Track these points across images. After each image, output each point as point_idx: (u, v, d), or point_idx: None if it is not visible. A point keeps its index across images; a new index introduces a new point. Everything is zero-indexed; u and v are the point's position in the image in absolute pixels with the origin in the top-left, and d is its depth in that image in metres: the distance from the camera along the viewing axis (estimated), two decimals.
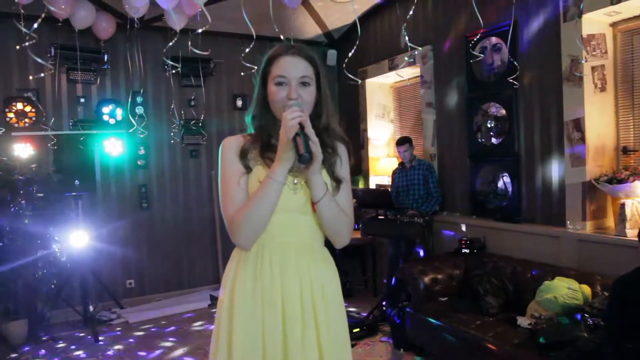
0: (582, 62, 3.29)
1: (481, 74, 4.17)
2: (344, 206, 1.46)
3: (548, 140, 3.66)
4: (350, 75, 3.97)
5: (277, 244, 1.40)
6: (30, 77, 4.28)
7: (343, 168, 1.50)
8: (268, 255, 1.39)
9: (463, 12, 4.32)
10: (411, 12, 3.42)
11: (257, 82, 1.47)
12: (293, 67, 1.39)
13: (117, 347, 4.08)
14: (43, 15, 3.11)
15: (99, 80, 4.97)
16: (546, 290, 3.00)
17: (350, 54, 3.85)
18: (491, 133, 4.12)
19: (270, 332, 1.35)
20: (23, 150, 4.41)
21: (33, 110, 4.46)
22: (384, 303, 4.34)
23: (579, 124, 3.37)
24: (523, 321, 3.02)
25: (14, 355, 3.95)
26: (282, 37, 3.97)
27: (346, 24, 5.80)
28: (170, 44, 3.72)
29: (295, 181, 1.40)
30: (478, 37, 3.96)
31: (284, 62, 1.40)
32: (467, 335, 3.07)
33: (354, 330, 4.05)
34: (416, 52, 3.65)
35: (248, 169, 1.41)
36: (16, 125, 4.39)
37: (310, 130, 1.31)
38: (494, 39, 4.00)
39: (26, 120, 4.43)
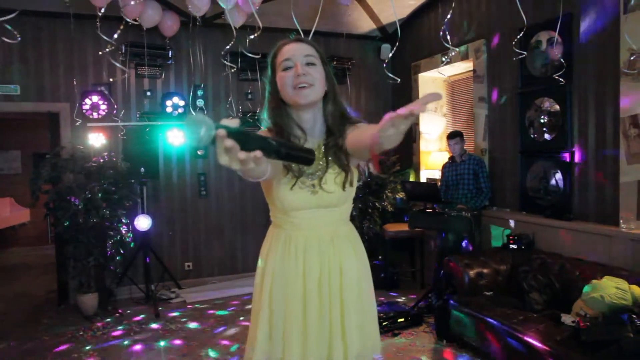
0: None
1: (535, 68, 4.09)
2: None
3: (603, 137, 3.56)
4: (391, 74, 4.02)
5: (302, 236, 1.54)
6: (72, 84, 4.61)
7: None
8: (294, 244, 1.54)
9: (517, 5, 4.24)
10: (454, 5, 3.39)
11: (268, 79, 1.54)
12: (297, 49, 1.47)
13: (174, 323, 4.40)
14: (101, 16, 3.38)
15: (163, 74, 5.31)
16: (593, 289, 2.95)
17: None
18: (544, 128, 4.04)
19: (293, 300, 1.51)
20: (96, 140, 4.84)
21: (105, 103, 4.86)
22: (429, 295, 4.39)
23: (636, 120, 3.26)
24: (567, 319, 2.99)
25: (86, 323, 4.38)
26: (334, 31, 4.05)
27: (400, 17, 5.82)
28: (231, 45, 3.90)
29: (313, 183, 1.50)
30: (532, 30, 3.88)
31: (288, 47, 1.49)
32: (508, 330, 3.08)
33: (399, 320, 4.13)
34: (453, 52, 3.64)
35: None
36: (91, 116, 4.81)
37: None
38: (548, 33, 3.92)
39: (100, 112, 4.83)
